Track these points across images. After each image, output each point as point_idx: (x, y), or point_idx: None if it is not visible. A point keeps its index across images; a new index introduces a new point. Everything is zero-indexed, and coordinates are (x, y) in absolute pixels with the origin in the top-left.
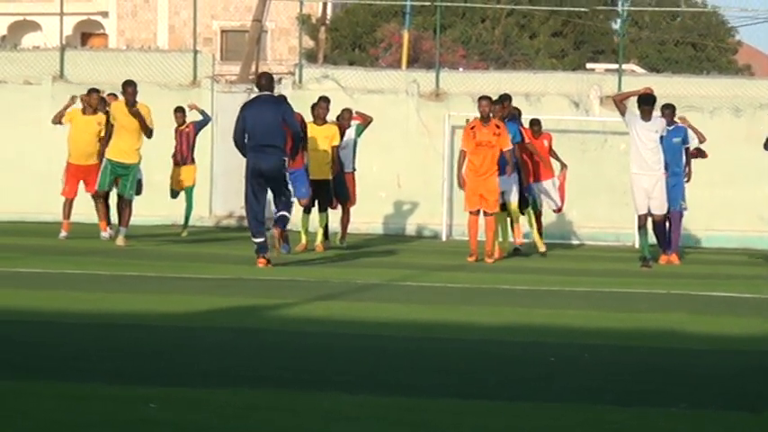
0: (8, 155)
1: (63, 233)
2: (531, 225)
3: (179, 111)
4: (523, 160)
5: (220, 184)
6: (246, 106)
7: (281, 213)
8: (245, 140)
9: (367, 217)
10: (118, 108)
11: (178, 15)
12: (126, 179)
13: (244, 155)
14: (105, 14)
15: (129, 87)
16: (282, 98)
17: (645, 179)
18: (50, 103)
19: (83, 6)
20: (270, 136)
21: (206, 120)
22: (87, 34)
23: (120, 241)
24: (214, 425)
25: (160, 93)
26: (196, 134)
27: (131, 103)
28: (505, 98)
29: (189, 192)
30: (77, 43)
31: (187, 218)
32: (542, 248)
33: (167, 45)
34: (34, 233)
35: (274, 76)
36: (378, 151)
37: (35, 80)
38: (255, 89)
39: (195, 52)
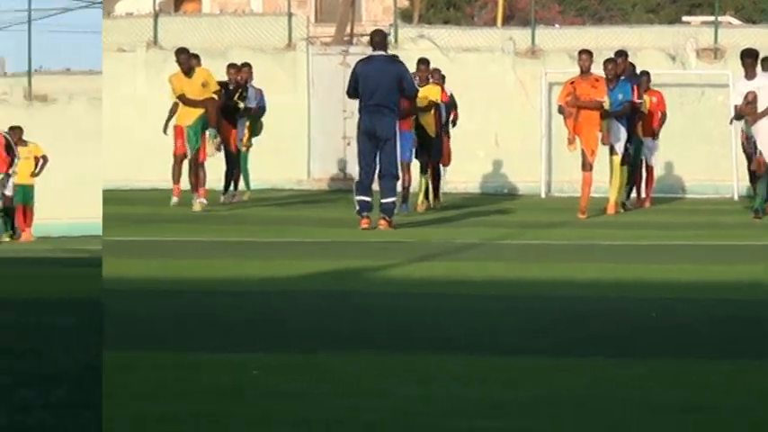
0: (105, 123)
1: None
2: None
3: (232, 67)
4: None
5: (317, 147)
6: (360, 64)
7: (387, 201)
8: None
9: (464, 176)
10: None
11: None
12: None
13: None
14: None
15: (182, 55)
16: (397, 59)
17: (761, 134)
18: (144, 71)
19: None
20: (385, 97)
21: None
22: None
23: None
24: (320, 390)
25: (254, 56)
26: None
27: (186, 72)
28: (620, 54)
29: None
30: (171, 9)
31: (246, 182)
32: (611, 209)
33: (261, 8)
34: (134, 201)
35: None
36: (475, 110)
37: (129, 47)
38: (369, 48)
39: (290, 15)
